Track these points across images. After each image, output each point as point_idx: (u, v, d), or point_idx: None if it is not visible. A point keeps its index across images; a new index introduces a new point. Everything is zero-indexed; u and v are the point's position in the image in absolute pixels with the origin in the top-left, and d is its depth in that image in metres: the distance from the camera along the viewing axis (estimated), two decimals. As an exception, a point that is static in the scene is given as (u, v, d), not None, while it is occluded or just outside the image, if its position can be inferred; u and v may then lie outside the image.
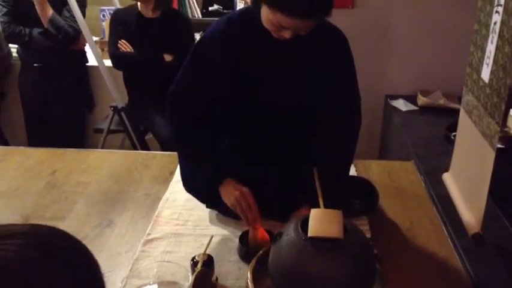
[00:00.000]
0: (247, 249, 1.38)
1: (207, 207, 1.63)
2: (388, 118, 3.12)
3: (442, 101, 2.91)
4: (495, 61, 1.34)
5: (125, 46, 2.76)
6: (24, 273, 0.57)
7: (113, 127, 3.10)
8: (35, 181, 1.85)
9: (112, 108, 3.02)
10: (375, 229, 1.53)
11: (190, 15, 3.78)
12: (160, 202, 1.69)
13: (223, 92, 1.47)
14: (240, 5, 3.86)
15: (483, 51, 1.44)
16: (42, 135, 3.25)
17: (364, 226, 1.52)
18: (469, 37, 1.59)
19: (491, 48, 1.37)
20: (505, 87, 1.26)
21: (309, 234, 1.14)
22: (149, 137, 3.13)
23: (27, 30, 2.95)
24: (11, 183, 1.83)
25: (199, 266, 1.24)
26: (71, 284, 0.60)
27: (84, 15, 2.98)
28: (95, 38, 3.32)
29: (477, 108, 1.48)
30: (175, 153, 1.68)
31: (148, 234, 1.51)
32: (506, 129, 2.16)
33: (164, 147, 2.73)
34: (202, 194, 1.59)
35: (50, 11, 2.89)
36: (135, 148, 3.01)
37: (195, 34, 2.96)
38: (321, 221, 1.15)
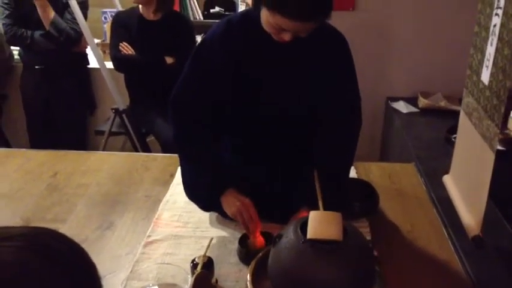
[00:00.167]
0: (247, 252, 1.38)
1: (203, 210, 1.63)
2: (389, 120, 3.12)
3: (442, 103, 2.91)
4: (495, 63, 1.34)
5: (126, 48, 2.77)
6: (23, 276, 0.57)
7: (114, 129, 3.10)
8: (36, 183, 1.85)
9: (113, 110, 3.03)
10: (375, 231, 1.53)
11: (191, 17, 3.78)
12: (161, 204, 1.69)
13: (224, 94, 1.47)
14: (241, 7, 3.87)
15: (483, 53, 1.44)
16: (44, 137, 3.25)
17: (364, 228, 1.52)
18: (469, 39, 1.59)
19: (490, 50, 1.37)
20: (505, 89, 1.26)
21: (308, 236, 1.14)
22: (151, 139, 3.13)
23: (29, 32, 2.96)
24: (12, 185, 1.84)
25: (199, 268, 1.24)
26: (69, 286, 0.60)
27: (85, 17, 2.99)
28: (96, 41, 3.33)
29: (477, 110, 1.48)
30: (176, 155, 1.69)
31: (149, 236, 1.51)
32: (507, 131, 2.16)
33: (165, 149, 2.73)
34: (204, 202, 1.60)
35: (52, 13, 2.90)
36: (136, 150, 3.01)
37: (196, 36, 2.97)
38: (320, 223, 1.15)
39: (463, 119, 1.64)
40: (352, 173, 1.86)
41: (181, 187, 1.68)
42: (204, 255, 1.30)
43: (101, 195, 1.77)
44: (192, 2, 3.83)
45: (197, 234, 1.53)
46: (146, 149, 3.08)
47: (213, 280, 1.27)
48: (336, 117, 1.50)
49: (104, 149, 3.01)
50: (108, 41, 3.15)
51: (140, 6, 2.78)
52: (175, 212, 1.65)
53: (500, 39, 1.31)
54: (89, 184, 1.84)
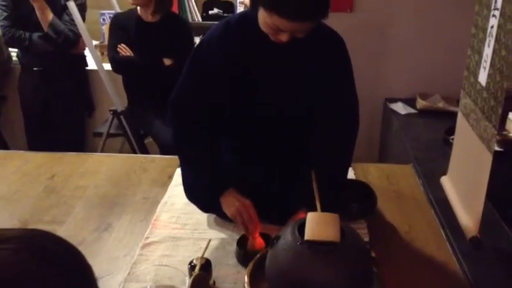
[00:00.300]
0: (245, 253, 1.38)
1: (203, 211, 1.63)
2: (387, 121, 3.13)
3: (441, 104, 2.91)
4: (492, 65, 1.34)
5: (124, 50, 2.77)
6: (19, 278, 0.57)
7: (112, 131, 3.10)
8: (34, 185, 1.85)
9: (111, 112, 3.03)
10: (373, 232, 1.53)
11: (190, 19, 3.79)
12: (159, 206, 1.69)
13: (222, 96, 1.47)
14: (240, 9, 3.87)
15: (480, 54, 1.45)
16: (42, 139, 3.25)
17: (362, 230, 1.52)
18: (467, 40, 1.60)
19: (488, 52, 1.38)
20: (502, 90, 1.26)
21: (306, 237, 1.13)
22: (149, 140, 3.13)
23: (27, 34, 2.96)
24: (9, 187, 1.84)
25: (196, 269, 1.24)
26: (65, 288, 0.60)
27: (84, 19, 2.99)
28: (94, 42, 3.33)
29: (474, 111, 1.48)
30: (174, 156, 1.69)
31: (147, 237, 1.51)
32: (505, 132, 2.16)
33: (163, 151, 2.73)
34: (204, 203, 1.60)
35: (50, 15, 2.90)
36: (134, 152, 3.01)
37: (195, 38, 2.97)
38: (318, 225, 1.15)
39: (460, 120, 1.64)
40: (350, 174, 1.86)
41: (179, 189, 1.68)
42: (202, 257, 1.30)
43: (98, 197, 1.77)
44: (190, 3, 3.84)
45: (195, 236, 1.53)
46: (144, 150, 3.08)
47: (211, 282, 1.27)
48: (333, 118, 1.50)
49: (102, 151, 3.01)
50: (106, 42, 3.15)
51: (138, 8, 2.78)
52: (173, 213, 1.64)
53: (497, 40, 1.31)
54: (86, 186, 1.84)
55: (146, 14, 2.77)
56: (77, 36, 3.00)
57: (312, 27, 1.29)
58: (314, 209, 1.24)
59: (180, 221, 1.61)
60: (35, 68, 3.09)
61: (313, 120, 1.50)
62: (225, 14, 3.87)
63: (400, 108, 2.99)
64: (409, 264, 1.42)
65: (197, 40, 3.09)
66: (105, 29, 3.54)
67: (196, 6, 3.87)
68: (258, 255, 1.28)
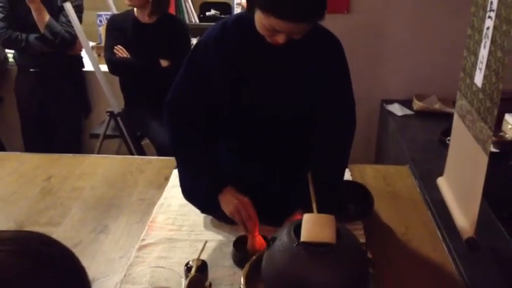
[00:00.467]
0: (241, 255, 1.38)
1: (202, 212, 1.63)
2: (384, 123, 3.13)
3: (437, 106, 2.92)
4: (488, 66, 1.34)
5: (121, 52, 2.77)
6: (14, 279, 0.57)
7: (109, 132, 3.10)
8: (30, 187, 1.84)
9: (108, 114, 3.03)
10: (369, 233, 1.53)
11: (187, 20, 3.79)
12: (155, 207, 1.69)
13: (219, 97, 1.47)
14: (237, 10, 3.87)
15: (476, 56, 1.45)
16: (39, 140, 3.24)
17: (359, 231, 1.53)
18: (464, 42, 1.60)
19: (484, 53, 1.38)
20: (498, 92, 1.26)
21: (302, 239, 1.14)
22: (145, 142, 3.13)
23: (24, 35, 2.95)
24: (6, 188, 1.83)
25: (193, 271, 1.24)
26: (59, 290, 0.60)
27: (80, 20, 2.99)
28: (91, 43, 3.32)
29: (470, 113, 1.48)
30: (171, 158, 1.69)
31: (143, 239, 1.51)
32: (501, 133, 2.17)
33: (160, 153, 2.73)
34: (202, 202, 1.59)
35: (47, 17, 2.90)
36: (131, 153, 3.01)
37: (192, 39, 2.97)
38: (314, 226, 1.15)
39: (456, 122, 1.65)
40: (347, 176, 1.87)
41: (175, 190, 1.68)
42: (198, 259, 1.30)
43: (95, 199, 1.77)
44: (187, 5, 3.83)
45: (191, 238, 1.53)
46: (141, 152, 3.08)
47: (207, 283, 1.27)
48: (329, 119, 1.50)
49: (98, 152, 3.00)
50: (103, 44, 3.14)
51: (135, 9, 2.78)
52: (169, 215, 1.64)
53: (493, 41, 1.32)
54: (83, 187, 1.84)
55: (143, 16, 2.77)
56: (74, 37, 3.00)
57: (309, 29, 1.30)
58: (310, 210, 1.24)
59: (177, 222, 1.60)
60: (31, 70, 3.09)
61: (313, 120, 1.50)
62: (222, 16, 3.87)
63: (396, 109, 3.00)
64: (405, 265, 1.42)
65: (194, 41, 3.09)
66: (102, 30, 3.53)
67: (193, 7, 3.87)
68: (255, 257, 1.28)
